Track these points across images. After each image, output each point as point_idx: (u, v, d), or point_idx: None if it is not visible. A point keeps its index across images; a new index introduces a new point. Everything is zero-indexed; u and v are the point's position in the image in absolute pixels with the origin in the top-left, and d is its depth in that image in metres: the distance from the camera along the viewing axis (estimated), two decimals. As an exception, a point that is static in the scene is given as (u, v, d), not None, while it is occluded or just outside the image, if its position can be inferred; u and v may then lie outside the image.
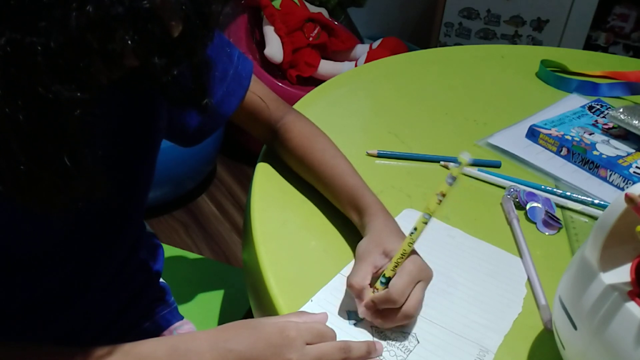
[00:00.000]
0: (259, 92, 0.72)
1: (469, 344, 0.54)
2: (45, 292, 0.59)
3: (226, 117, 0.70)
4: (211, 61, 0.53)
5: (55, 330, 0.62)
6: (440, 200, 0.51)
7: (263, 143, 0.78)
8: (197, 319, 0.85)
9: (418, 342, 0.53)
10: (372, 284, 0.54)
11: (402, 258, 0.53)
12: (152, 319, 0.79)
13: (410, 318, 0.53)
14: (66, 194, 0.42)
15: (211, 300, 0.94)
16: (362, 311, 0.54)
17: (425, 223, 0.53)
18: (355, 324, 0.55)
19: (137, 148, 0.62)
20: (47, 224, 0.54)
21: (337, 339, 0.52)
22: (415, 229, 0.53)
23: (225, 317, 0.92)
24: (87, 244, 0.60)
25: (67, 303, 0.62)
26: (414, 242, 0.53)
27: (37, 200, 0.41)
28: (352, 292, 0.54)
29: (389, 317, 0.53)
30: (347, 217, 0.65)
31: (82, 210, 0.59)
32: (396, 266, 0.53)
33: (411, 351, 0.53)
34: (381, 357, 0.52)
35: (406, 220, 0.65)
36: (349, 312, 0.56)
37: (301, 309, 0.55)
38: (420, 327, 0.55)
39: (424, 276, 0.54)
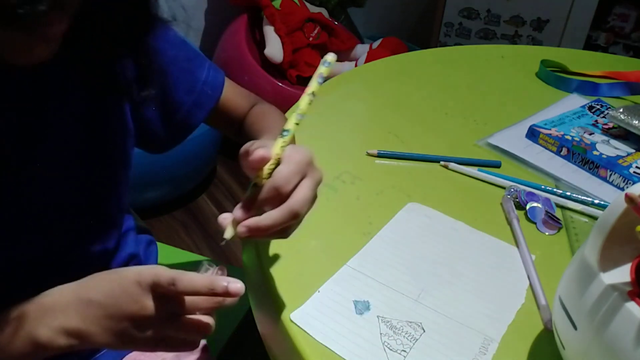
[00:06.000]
0: (232, 99, 0.74)
1: (473, 333, 0.54)
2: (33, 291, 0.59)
3: (194, 127, 0.72)
4: (153, 53, 0.58)
5: None
6: (312, 100, 0.49)
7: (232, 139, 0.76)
8: (197, 319, 0.85)
9: (424, 331, 0.54)
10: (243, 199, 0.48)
11: (274, 165, 0.48)
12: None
13: (297, 217, 0.46)
14: None
15: (211, 300, 0.94)
16: (238, 213, 0.47)
17: (297, 124, 0.49)
18: (361, 314, 0.55)
19: (105, 151, 0.63)
20: (22, 229, 0.56)
21: (344, 330, 0.53)
22: (287, 130, 0.49)
23: (226, 317, 0.92)
24: (67, 243, 0.62)
25: None
26: (287, 144, 0.48)
27: None
28: (250, 162, 0.48)
29: (270, 216, 0.46)
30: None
31: (57, 208, 0.60)
32: (269, 174, 0.48)
33: (417, 340, 0.53)
34: (388, 345, 0.52)
35: (410, 213, 0.67)
36: (355, 302, 0.56)
37: (308, 300, 0.56)
38: (426, 317, 0.56)
39: (312, 172, 0.49)
